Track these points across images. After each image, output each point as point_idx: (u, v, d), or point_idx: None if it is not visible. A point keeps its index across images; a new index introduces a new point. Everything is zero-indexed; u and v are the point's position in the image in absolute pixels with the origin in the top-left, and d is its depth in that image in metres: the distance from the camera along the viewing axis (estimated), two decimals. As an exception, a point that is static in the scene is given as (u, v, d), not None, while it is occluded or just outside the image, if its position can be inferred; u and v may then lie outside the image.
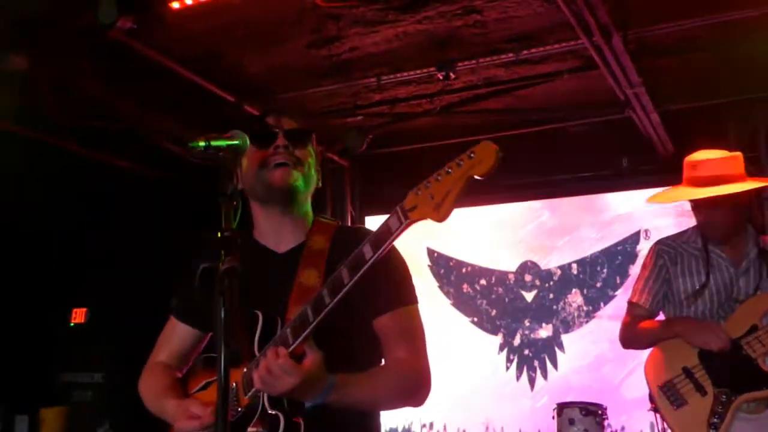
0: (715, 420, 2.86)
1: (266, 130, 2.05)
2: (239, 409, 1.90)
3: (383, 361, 2.04)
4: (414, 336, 2.03)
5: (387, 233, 1.69)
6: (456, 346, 6.32)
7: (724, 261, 3.10)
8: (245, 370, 1.89)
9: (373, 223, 6.70)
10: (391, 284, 2.02)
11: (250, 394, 1.87)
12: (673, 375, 3.01)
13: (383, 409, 2.11)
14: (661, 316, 3.27)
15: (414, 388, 2.00)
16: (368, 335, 2.02)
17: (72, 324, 7.02)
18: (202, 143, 1.65)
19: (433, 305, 6.42)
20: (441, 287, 6.50)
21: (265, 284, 1.96)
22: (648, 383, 3.08)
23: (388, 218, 1.70)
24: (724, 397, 2.89)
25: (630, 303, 3.29)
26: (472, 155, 1.59)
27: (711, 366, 2.97)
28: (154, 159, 6.03)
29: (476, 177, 1.59)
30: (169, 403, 2.02)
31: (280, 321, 1.87)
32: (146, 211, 6.22)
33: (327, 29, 4.47)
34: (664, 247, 3.25)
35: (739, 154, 3.15)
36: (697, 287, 3.08)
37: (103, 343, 6.57)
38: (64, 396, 6.73)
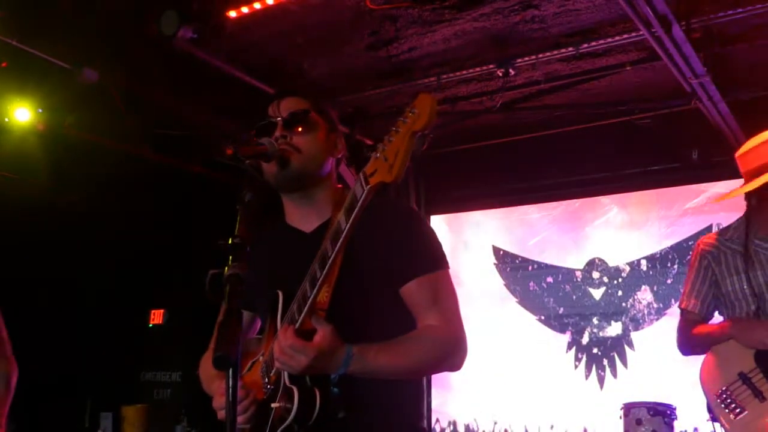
0: None
1: (265, 123, 2.05)
2: (269, 386, 1.95)
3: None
4: (443, 301, 1.98)
5: (354, 202, 1.71)
6: (522, 344, 6.27)
7: None
8: (270, 348, 1.93)
9: (438, 222, 6.72)
10: (415, 251, 1.99)
11: (273, 371, 1.92)
12: (728, 382, 2.86)
13: (417, 376, 2.08)
14: (717, 318, 3.13)
15: (446, 353, 1.96)
16: (397, 304, 1.99)
17: (151, 325, 7.27)
18: (230, 151, 1.74)
19: (499, 304, 6.40)
20: (507, 285, 6.45)
21: (295, 265, 1.97)
22: (704, 392, 2.94)
23: (354, 186, 1.72)
24: None
25: (680, 309, 3.15)
26: (413, 110, 1.59)
27: None
28: (224, 164, 6.18)
29: (418, 132, 1.57)
30: (213, 385, 2.10)
31: None
32: (220, 215, 6.38)
33: (385, 31, 4.52)
34: (706, 248, 3.09)
35: None
36: (745, 286, 2.92)
37: (181, 343, 6.77)
38: (145, 394, 6.99)
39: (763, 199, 2.94)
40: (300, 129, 2.03)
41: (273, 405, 1.85)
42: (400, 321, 1.99)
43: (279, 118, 2.04)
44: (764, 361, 2.83)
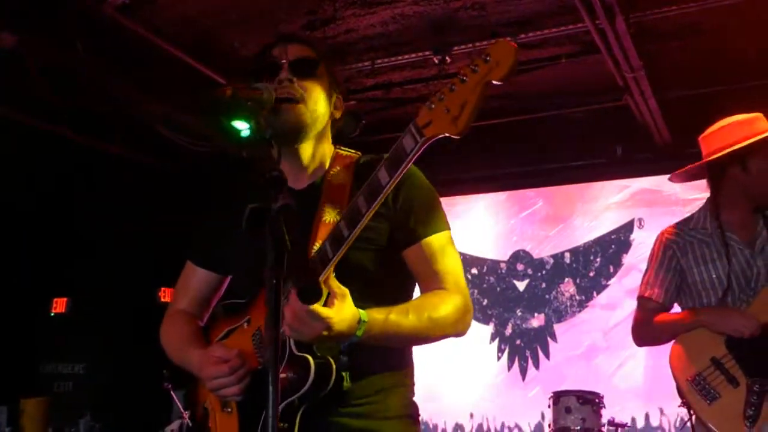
0: (751, 412, 2.71)
1: (269, 63, 1.91)
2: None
3: (418, 292, 1.92)
4: (450, 264, 1.89)
5: (402, 155, 1.58)
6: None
7: (738, 244, 2.95)
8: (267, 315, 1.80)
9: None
10: (420, 213, 1.90)
11: None
12: (701, 367, 2.84)
13: (425, 342, 1.94)
14: (675, 309, 3.12)
15: (457, 317, 1.84)
16: (400, 267, 1.90)
17: (53, 314, 6.90)
18: (229, 92, 1.59)
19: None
20: (432, 276, 6.42)
21: None
22: (675, 378, 2.91)
23: (402, 137, 1.59)
24: (757, 386, 2.74)
25: (641, 298, 3.11)
26: (488, 58, 1.49)
27: (741, 355, 2.81)
28: (145, 145, 5.91)
29: (494, 82, 1.49)
30: (192, 354, 1.91)
31: None
32: (134, 199, 6.10)
33: (323, 10, 4.39)
34: (671, 237, 3.06)
35: None
36: (714, 276, 2.94)
37: (85, 334, 6.47)
38: (45, 387, 6.62)
39: (727, 169, 2.92)
40: (307, 76, 1.91)
41: (281, 375, 1.69)
42: (402, 283, 1.91)
43: (285, 61, 1.90)
44: (736, 348, 2.82)
